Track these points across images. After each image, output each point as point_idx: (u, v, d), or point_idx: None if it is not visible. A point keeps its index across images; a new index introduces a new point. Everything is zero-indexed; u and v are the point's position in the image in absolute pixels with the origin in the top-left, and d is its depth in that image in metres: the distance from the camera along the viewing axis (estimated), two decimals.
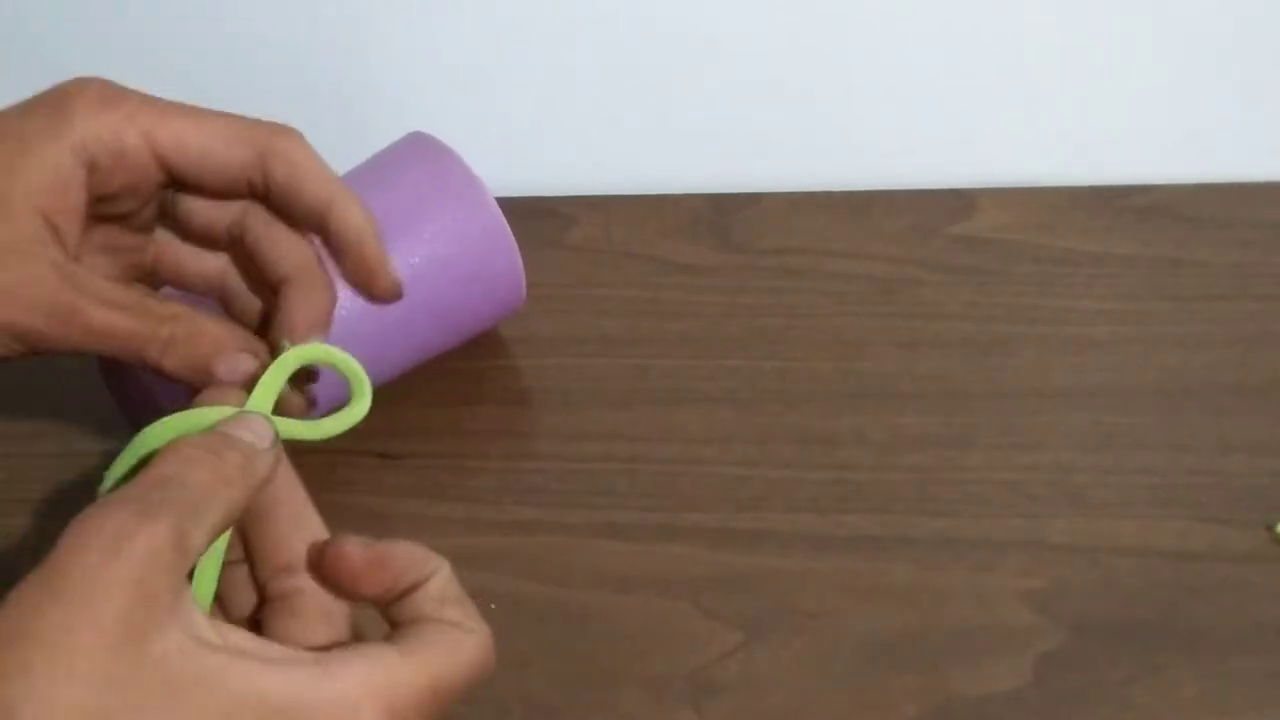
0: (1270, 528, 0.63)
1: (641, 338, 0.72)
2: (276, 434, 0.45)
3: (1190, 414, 0.68)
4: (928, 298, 0.74)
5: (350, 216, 0.52)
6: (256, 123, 0.52)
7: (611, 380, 0.70)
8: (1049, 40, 0.80)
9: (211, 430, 0.45)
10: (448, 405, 0.69)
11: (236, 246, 0.55)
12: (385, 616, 0.44)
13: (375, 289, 0.54)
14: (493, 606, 0.52)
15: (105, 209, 0.53)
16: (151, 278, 0.57)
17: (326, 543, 0.44)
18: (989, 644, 0.59)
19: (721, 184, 0.82)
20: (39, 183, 0.50)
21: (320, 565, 0.44)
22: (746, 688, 0.58)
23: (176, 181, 0.53)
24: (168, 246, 0.56)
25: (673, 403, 0.69)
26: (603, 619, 0.61)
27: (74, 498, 0.67)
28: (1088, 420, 0.68)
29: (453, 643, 0.42)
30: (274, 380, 0.48)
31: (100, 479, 0.48)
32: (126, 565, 0.39)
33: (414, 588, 0.43)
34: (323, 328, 0.52)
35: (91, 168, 0.51)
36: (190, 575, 0.42)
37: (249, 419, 0.45)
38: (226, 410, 0.46)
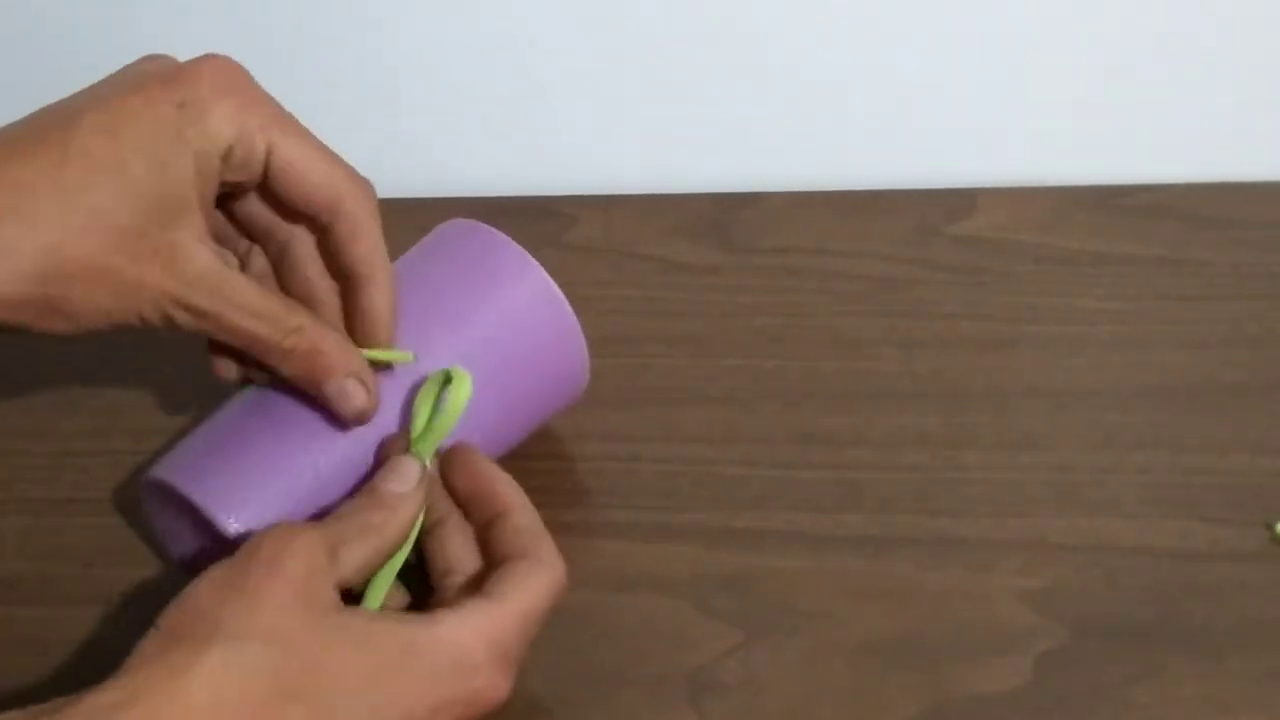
0: (1270, 527, 0.63)
1: (641, 338, 0.72)
2: (424, 469, 0.55)
3: (1190, 414, 0.68)
4: (928, 298, 0.74)
5: (378, 301, 0.58)
6: (344, 169, 0.57)
7: (611, 380, 0.70)
8: (1050, 40, 0.80)
9: (369, 488, 0.55)
10: None
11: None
12: (482, 548, 0.56)
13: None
14: None
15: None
16: None
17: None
18: (989, 644, 0.59)
19: (722, 184, 0.82)
20: (199, 173, 0.55)
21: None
22: (746, 688, 0.58)
23: (262, 188, 0.57)
24: None
25: (673, 403, 0.69)
26: (603, 619, 0.61)
27: (73, 498, 0.67)
28: (1088, 420, 0.68)
29: (533, 579, 0.53)
30: (426, 405, 0.57)
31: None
32: (294, 554, 0.50)
33: (502, 514, 0.55)
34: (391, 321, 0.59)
35: (225, 162, 0.56)
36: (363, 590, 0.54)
37: (399, 466, 0.55)
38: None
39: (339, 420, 0.58)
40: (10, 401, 0.71)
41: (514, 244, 0.63)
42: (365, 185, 0.58)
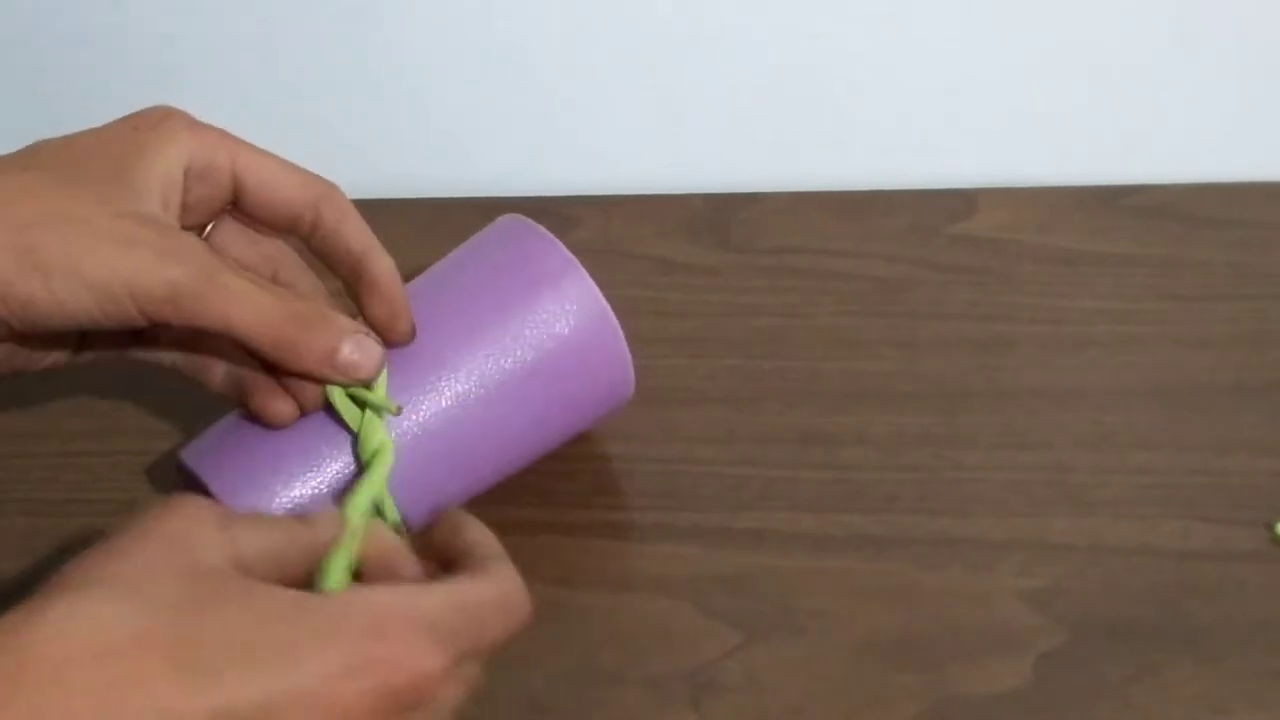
0: (1270, 527, 0.63)
1: (641, 338, 0.72)
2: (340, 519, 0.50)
3: (1190, 414, 0.68)
4: (928, 298, 0.75)
5: (383, 265, 0.59)
6: (311, 173, 0.60)
7: None
8: (1049, 40, 0.80)
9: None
10: None
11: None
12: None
13: (396, 330, 0.60)
14: None
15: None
16: None
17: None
18: (989, 644, 0.59)
19: (721, 184, 0.82)
20: (162, 176, 0.57)
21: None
22: (746, 688, 0.58)
23: (239, 206, 0.59)
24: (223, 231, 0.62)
25: (673, 403, 0.69)
26: (603, 619, 0.61)
27: (74, 498, 0.67)
28: (1088, 420, 0.68)
29: (481, 582, 0.48)
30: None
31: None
32: (172, 519, 0.46)
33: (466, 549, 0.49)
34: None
35: (186, 173, 0.57)
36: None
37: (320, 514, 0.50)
38: None
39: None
40: (10, 401, 0.71)
41: (569, 258, 0.64)
42: (331, 183, 0.60)
